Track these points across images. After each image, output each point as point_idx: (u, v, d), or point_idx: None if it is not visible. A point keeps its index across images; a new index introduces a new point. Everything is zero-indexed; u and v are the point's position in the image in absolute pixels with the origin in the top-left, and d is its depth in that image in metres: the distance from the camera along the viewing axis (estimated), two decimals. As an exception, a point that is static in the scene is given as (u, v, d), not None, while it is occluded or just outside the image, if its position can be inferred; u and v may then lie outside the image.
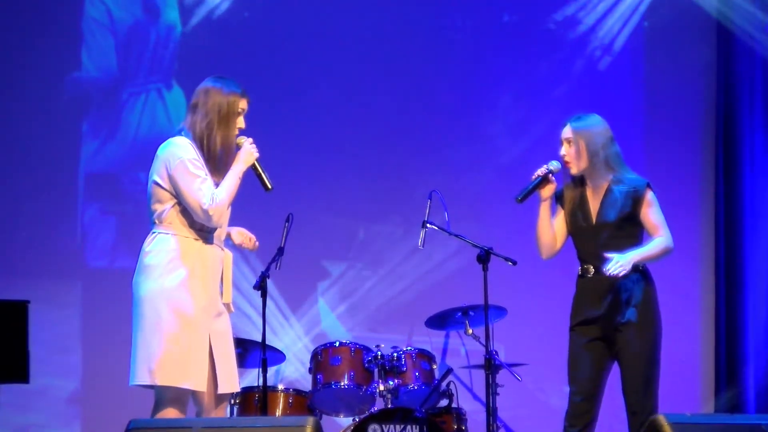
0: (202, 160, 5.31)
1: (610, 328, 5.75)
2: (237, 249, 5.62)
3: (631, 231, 5.81)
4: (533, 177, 5.85)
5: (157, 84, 8.39)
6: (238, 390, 5.46)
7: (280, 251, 6.47)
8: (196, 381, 5.18)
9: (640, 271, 5.81)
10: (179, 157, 5.28)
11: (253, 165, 5.41)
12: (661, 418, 4.39)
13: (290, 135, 8.37)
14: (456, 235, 6.83)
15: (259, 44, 8.49)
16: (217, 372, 5.24)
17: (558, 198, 5.95)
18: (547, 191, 5.86)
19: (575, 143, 5.82)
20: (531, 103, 8.56)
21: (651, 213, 5.85)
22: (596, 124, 5.86)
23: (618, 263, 5.60)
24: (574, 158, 5.83)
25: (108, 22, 8.37)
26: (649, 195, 5.85)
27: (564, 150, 5.84)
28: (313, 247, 8.23)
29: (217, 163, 5.34)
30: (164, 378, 5.16)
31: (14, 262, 8.11)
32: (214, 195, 5.25)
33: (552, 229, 5.91)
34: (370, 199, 8.51)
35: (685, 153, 8.77)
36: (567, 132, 5.85)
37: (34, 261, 8.13)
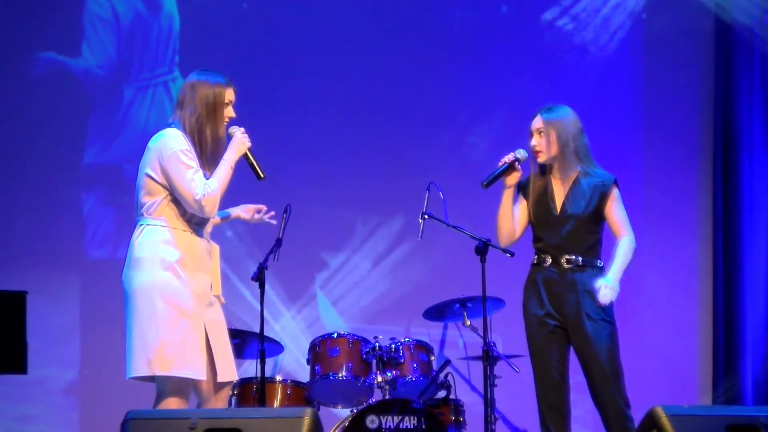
0: (194, 152, 5.31)
1: (568, 319, 5.78)
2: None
3: (594, 225, 5.85)
4: (500, 164, 5.87)
5: (163, 77, 8.38)
6: (236, 379, 5.46)
7: (278, 242, 6.47)
8: (195, 369, 5.18)
9: (598, 267, 5.83)
10: (172, 148, 5.28)
11: (245, 154, 5.42)
12: (659, 410, 4.39)
13: (289, 126, 8.37)
14: (454, 227, 6.82)
15: (258, 34, 8.48)
16: (215, 361, 5.25)
17: (521, 187, 5.97)
18: (512, 179, 5.90)
19: (546, 134, 5.85)
20: (530, 94, 8.55)
21: (615, 209, 5.87)
22: (567, 115, 5.88)
23: (609, 288, 5.65)
24: (544, 148, 5.84)
25: (111, 18, 8.36)
26: (615, 192, 5.89)
27: (535, 140, 5.87)
28: (311, 238, 8.23)
29: (210, 156, 5.36)
30: (163, 367, 5.16)
31: (13, 253, 8.11)
32: (207, 185, 5.25)
33: (513, 217, 5.92)
34: (369, 191, 8.51)
35: (683, 146, 8.76)
36: (538, 122, 5.88)
37: (34, 252, 8.13)
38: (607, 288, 5.68)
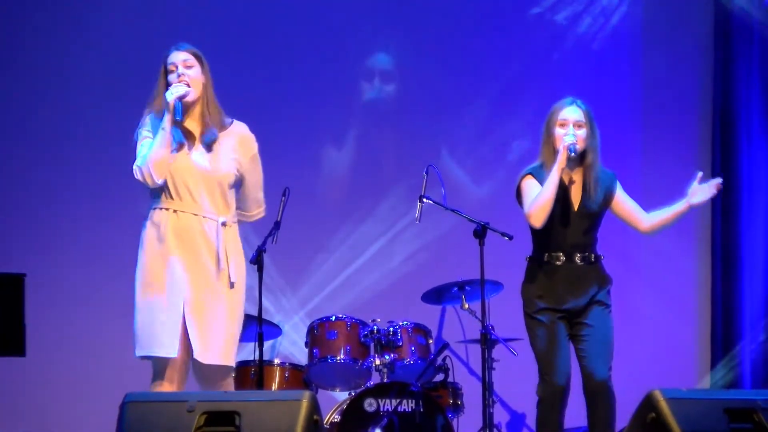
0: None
1: (579, 306, 5.77)
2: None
3: (599, 222, 5.87)
4: (566, 145, 5.64)
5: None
6: (221, 363, 5.36)
7: (277, 225, 6.46)
8: (165, 348, 5.21)
9: (602, 261, 5.85)
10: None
11: (177, 104, 5.26)
12: (658, 393, 4.39)
13: (287, 108, 8.36)
14: (452, 210, 6.83)
15: (256, 18, 8.46)
16: (192, 340, 5.22)
17: (538, 177, 5.83)
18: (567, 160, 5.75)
19: (586, 127, 5.76)
20: (527, 77, 8.54)
21: (629, 198, 5.91)
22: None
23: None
24: (581, 142, 5.74)
25: None
26: (619, 184, 5.91)
27: (571, 130, 5.71)
28: (309, 221, 8.22)
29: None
30: (139, 349, 5.26)
31: (12, 234, 8.12)
32: (141, 156, 5.29)
33: None
34: (368, 173, 8.51)
35: (682, 130, 8.75)
36: (578, 114, 5.76)
37: (32, 232, 8.14)
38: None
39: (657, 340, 8.42)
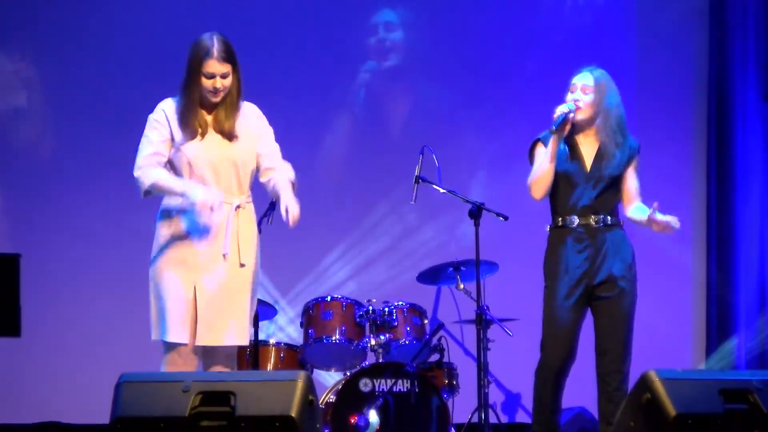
0: (176, 117, 5.30)
1: (596, 280, 5.73)
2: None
3: (618, 188, 5.83)
4: (558, 112, 5.68)
5: None
6: (225, 343, 5.35)
7: (272, 206, 6.47)
8: (174, 334, 5.22)
9: (621, 226, 5.82)
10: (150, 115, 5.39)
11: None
12: (652, 374, 4.38)
13: (284, 96, 8.34)
14: (448, 191, 6.83)
15: (251, 18, 8.46)
16: (198, 323, 5.23)
17: (546, 144, 5.85)
18: (566, 127, 5.77)
19: (594, 93, 5.75)
20: (523, 53, 8.52)
21: (636, 175, 5.87)
22: (612, 82, 5.83)
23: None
24: (587, 107, 5.76)
25: None
26: (638, 157, 5.87)
27: (578, 95, 5.75)
28: (304, 200, 8.20)
29: (180, 118, 5.30)
30: (154, 333, 5.29)
31: (8, 214, 8.13)
32: (146, 170, 5.26)
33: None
34: (363, 154, 8.51)
35: (677, 106, 8.71)
36: (587, 80, 5.78)
37: (31, 214, 8.16)
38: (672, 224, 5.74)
39: (652, 330, 8.39)
